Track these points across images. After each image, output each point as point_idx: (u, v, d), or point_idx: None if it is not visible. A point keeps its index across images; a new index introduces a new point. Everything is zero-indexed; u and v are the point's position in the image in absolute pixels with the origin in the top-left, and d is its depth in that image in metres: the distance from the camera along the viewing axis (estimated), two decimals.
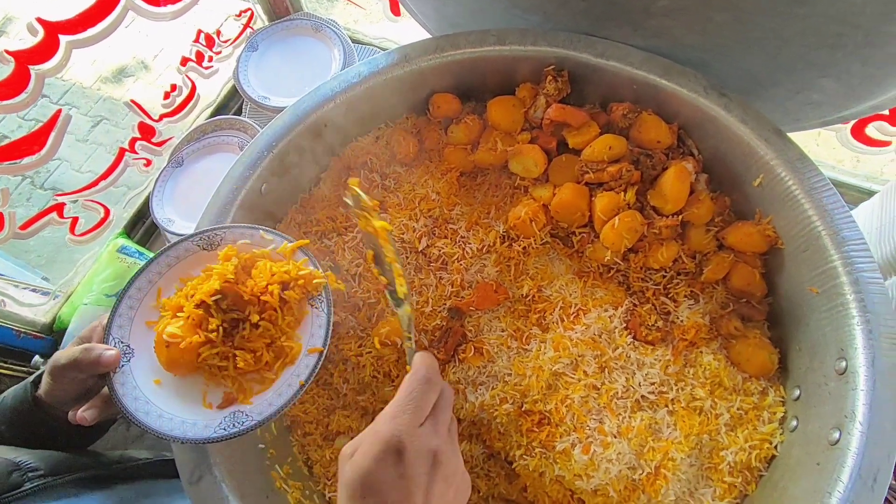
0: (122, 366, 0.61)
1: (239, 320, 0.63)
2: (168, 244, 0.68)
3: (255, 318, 0.63)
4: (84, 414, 0.62)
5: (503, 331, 0.80)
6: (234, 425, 0.59)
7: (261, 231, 0.69)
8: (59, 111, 0.97)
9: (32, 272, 1.66)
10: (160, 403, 0.60)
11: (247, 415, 0.60)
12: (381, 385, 0.80)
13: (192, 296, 0.62)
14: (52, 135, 0.97)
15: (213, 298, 0.61)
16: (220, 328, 0.62)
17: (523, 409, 0.75)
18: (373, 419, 0.82)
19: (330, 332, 0.65)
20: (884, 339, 0.61)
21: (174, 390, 0.62)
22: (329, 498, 0.78)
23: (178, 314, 0.63)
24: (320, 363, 0.63)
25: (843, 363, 0.62)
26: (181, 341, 0.60)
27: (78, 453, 0.72)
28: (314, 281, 0.67)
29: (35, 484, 0.60)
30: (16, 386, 0.70)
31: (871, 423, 0.58)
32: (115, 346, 0.62)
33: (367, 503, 0.47)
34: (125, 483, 0.71)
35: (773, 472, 0.69)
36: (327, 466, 0.80)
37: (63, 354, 0.61)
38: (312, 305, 0.67)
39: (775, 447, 0.69)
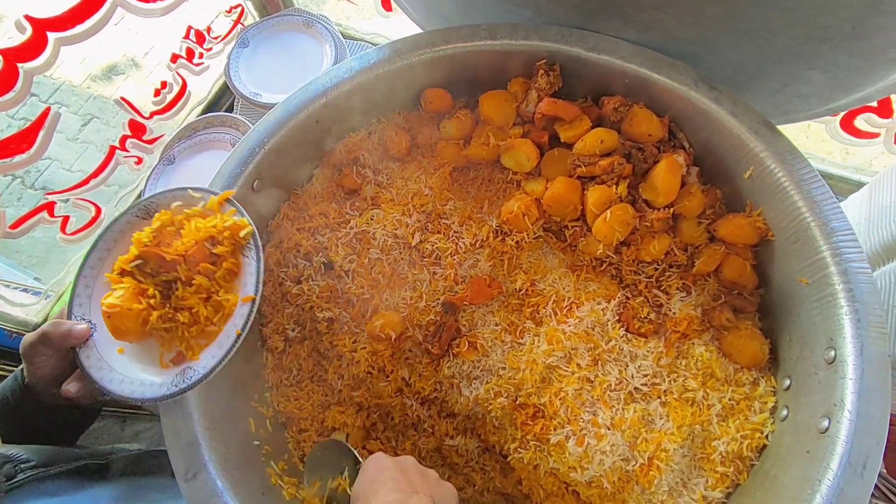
0: (87, 340, 0.64)
1: (170, 281, 0.65)
2: (111, 221, 0.70)
3: (183, 275, 0.64)
4: (68, 387, 0.64)
5: (497, 325, 0.80)
6: (183, 381, 0.62)
7: (189, 190, 0.70)
8: (48, 109, 0.96)
9: (24, 272, 1.65)
10: (122, 370, 0.63)
11: (194, 369, 0.63)
12: (375, 381, 0.80)
13: None
14: (41, 133, 0.96)
15: (134, 264, 0.63)
16: (157, 292, 0.64)
17: (517, 402, 0.76)
18: (367, 415, 0.82)
19: (261, 277, 0.65)
20: (872, 329, 0.62)
21: (135, 357, 0.65)
22: None
23: (118, 285, 0.65)
24: (254, 310, 0.64)
25: (833, 353, 0.63)
26: (119, 310, 0.62)
27: (69, 447, 0.72)
28: (240, 231, 0.67)
29: (28, 475, 0.61)
30: (6, 379, 0.71)
31: (859, 411, 0.58)
32: (84, 322, 0.65)
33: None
34: (121, 478, 0.71)
35: (764, 461, 0.69)
36: None
37: (32, 333, 0.63)
38: (244, 255, 0.67)
39: (766, 437, 0.70)
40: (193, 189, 0.70)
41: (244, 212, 0.69)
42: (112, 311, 0.62)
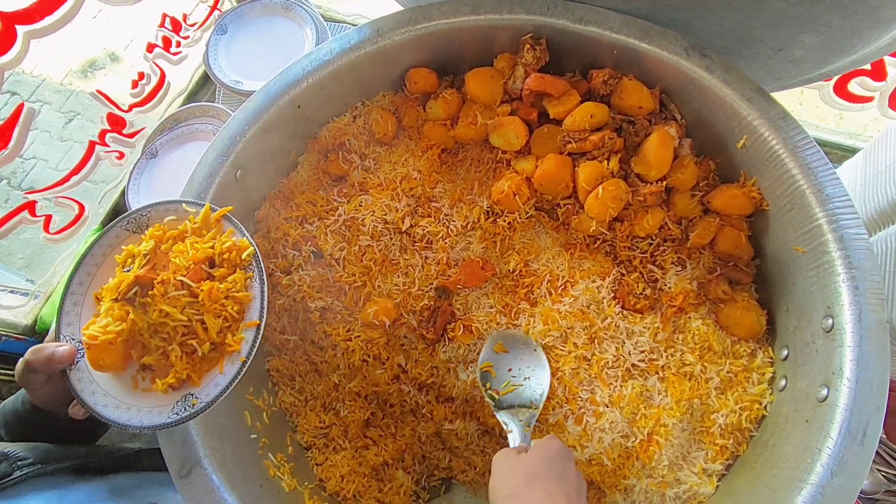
0: (77, 361, 0.60)
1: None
2: (99, 234, 0.66)
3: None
4: (74, 409, 0.62)
5: (491, 307, 0.79)
6: (185, 409, 0.59)
7: (182, 204, 0.66)
8: (22, 105, 0.93)
9: (14, 274, 1.62)
10: (117, 395, 0.60)
11: (196, 396, 0.60)
12: (371, 369, 0.80)
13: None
14: (17, 130, 0.93)
15: (132, 291, 0.59)
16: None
17: None
18: (363, 402, 0.82)
19: (265, 303, 0.62)
20: (870, 295, 0.61)
21: (128, 380, 0.62)
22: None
23: (105, 311, 0.60)
24: (259, 337, 0.61)
25: (830, 321, 0.62)
26: (99, 343, 0.58)
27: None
28: (242, 253, 0.63)
29: (24, 472, 0.60)
30: (16, 394, 0.69)
31: (858, 378, 0.58)
32: (67, 343, 0.61)
33: None
34: (117, 473, 0.70)
35: (763, 431, 0.69)
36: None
37: (20, 361, 0.60)
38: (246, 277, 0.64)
39: (765, 407, 0.70)
40: (188, 202, 0.66)
41: (244, 231, 0.65)
42: (92, 343, 0.58)
